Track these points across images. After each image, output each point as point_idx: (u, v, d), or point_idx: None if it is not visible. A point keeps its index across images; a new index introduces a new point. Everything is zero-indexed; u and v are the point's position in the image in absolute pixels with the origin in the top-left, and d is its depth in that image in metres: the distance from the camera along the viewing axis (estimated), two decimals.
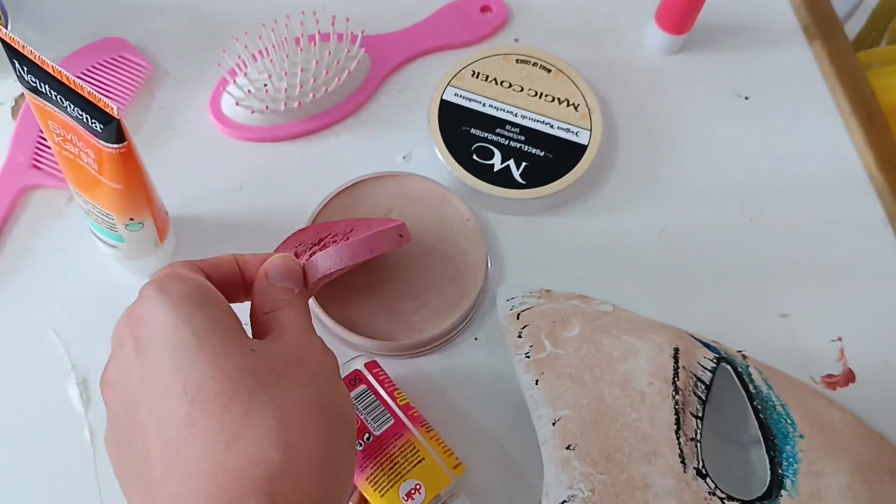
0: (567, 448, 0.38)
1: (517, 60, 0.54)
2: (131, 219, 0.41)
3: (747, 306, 0.49)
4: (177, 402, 0.30)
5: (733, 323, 0.48)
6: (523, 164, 0.50)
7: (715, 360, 0.42)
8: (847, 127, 0.55)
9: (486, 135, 0.51)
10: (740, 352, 0.45)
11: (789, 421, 0.41)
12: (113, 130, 0.35)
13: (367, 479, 0.40)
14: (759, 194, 0.52)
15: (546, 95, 0.53)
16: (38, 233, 0.49)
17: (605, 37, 0.58)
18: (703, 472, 0.38)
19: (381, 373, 0.42)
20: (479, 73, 0.53)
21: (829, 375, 0.47)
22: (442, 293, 0.47)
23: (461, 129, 0.51)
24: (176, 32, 0.56)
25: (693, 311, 0.48)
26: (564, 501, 0.36)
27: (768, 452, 0.40)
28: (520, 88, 0.53)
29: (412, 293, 0.47)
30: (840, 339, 0.48)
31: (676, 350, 0.41)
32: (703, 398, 0.40)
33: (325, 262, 0.39)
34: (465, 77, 0.53)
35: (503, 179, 0.50)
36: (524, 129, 0.52)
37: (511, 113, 0.52)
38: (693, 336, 0.43)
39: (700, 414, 0.39)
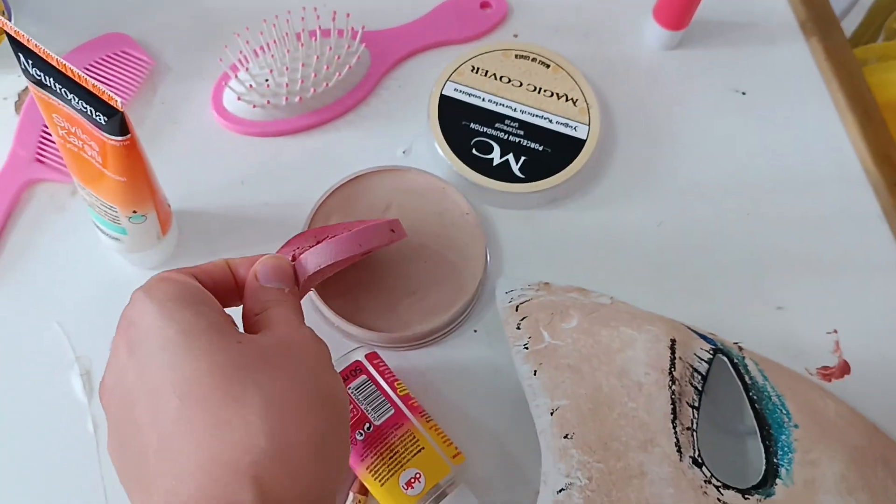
0: (565, 437, 0.38)
1: (516, 56, 0.55)
2: (134, 211, 0.42)
3: (744, 299, 0.49)
4: (168, 399, 0.30)
5: (730, 315, 0.49)
6: (522, 158, 0.51)
7: (711, 352, 0.42)
8: (843, 122, 0.55)
9: (485, 129, 0.52)
10: (737, 343, 0.45)
11: (784, 411, 0.41)
12: (117, 123, 0.35)
13: (367, 469, 0.40)
14: (756, 188, 0.53)
15: (545, 90, 0.53)
16: (42, 226, 0.49)
17: (604, 32, 0.58)
18: (699, 460, 0.38)
19: (381, 364, 0.43)
20: (478, 69, 0.54)
21: (825, 367, 0.48)
22: (442, 286, 0.47)
23: (461, 123, 0.52)
24: (178, 28, 0.56)
25: (690, 304, 0.49)
26: (562, 489, 0.37)
27: (764, 442, 0.40)
28: (519, 83, 0.53)
29: (412, 286, 0.47)
30: (835, 331, 0.48)
31: (673, 341, 0.41)
32: (700, 388, 0.40)
33: (315, 258, 0.39)
34: (464, 72, 0.54)
35: (502, 174, 0.50)
36: (523, 124, 0.52)
37: (510, 108, 0.53)
38: (690, 328, 0.44)
39: (696, 404, 0.40)
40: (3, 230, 0.49)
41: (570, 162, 0.51)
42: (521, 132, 0.52)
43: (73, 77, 0.35)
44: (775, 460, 0.40)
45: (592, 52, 0.57)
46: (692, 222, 0.52)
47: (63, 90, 0.35)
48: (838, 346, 0.48)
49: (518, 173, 0.50)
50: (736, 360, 0.43)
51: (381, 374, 0.42)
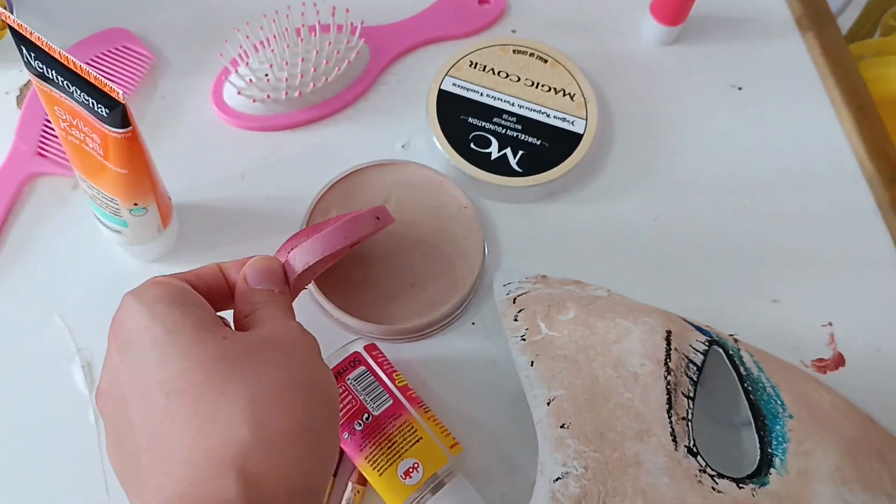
0: (561, 427, 0.39)
1: (514, 51, 0.55)
2: (135, 204, 0.42)
3: (740, 292, 0.50)
4: (156, 397, 0.31)
5: (726, 308, 0.49)
6: (520, 152, 0.51)
7: (707, 343, 0.42)
8: (839, 117, 0.56)
9: (483, 124, 0.52)
10: (732, 335, 0.46)
11: (779, 402, 0.42)
12: (119, 115, 0.36)
13: (365, 459, 0.40)
14: (752, 183, 0.53)
15: (542, 85, 0.54)
16: (44, 220, 0.50)
17: (601, 28, 0.59)
18: (694, 450, 0.39)
19: (379, 355, 0.43)
20: (476, 64, 0.54)
21: (820, 359, 0.48)
22: (440, 279, 0.48)
23: (459, 118, 0.52)
24: (179, 23, 0.57)
25: (686, 297, 0.49)
26: (558, 478, 0.37)
27: (758, 432, 0.41)
28: (517, 78, 0.54)
29: (411, 279, 0.48)
30: (830, 324, 0.49)
31: (669, 333, 0.42)
32: (695, 379, 0.41)
33: (303, 256, 0.39)
34: (462, 67, 0.54)
35: (500, 167, 0.51)
36: (521, 119, 0.52)
37: (508, 102, 0.53)
38: (686, 320, 0.44)
39: (691, 394, 0.40)
40: (4, 223, 0.49)
41: (568, 156, 0.51)
42: (519, 127, 0.52)
43: (75, 69, 0.35)
44: (769, 450, 0.40)
45: (590, 48, 0.58)
46: (688, 216, 0.52)
47: (65, 83, 0.36)
48: (833, 338, 0.48)
49: (516, 167, 0.51)
50: (731, 352, 0.43)
51: (380, 365, 0.43)
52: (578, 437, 0.38)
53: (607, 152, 0.54)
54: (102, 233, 0.46)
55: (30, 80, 0.53)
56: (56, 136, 0.50)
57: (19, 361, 0.46)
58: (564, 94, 0.53)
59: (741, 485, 0.38)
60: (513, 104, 0.53)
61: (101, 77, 0.35)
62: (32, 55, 0.36)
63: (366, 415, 0.41)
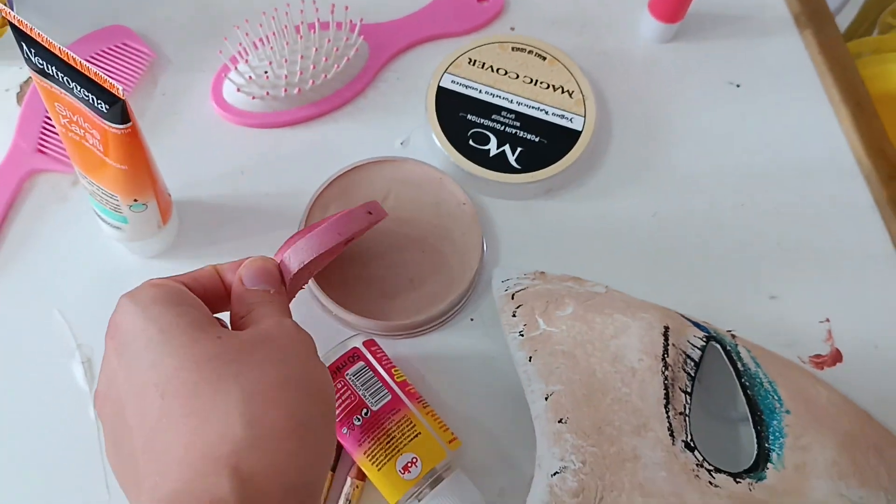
0: (559, 421, 0.39)
1: (513, 48, 0.55)
2: (135, 200, 0.42)
3: (738, 288, 0.50)
4: (151, 398, 0.31)
5: (724, 304, 0.49)
6: (518, 149, 0.51)
7: (704, 339, 0.43)
8: (836, 114, 0.56)
9: (482, 121, 0.52)
10: (730, 331, 0.46)
11: (776, 397, 0.42)
12: (118, 111, 0.36)
13: (364, 454, 0.41)
14: (750, 179, 0.53)
15: (541, 82, 0.54)
16: (44, 216, 0.50)
17: (600, 25, 0.59)
18: (692, 444, 0.39)
19: (378, 351, 0.43)
20: (475, 61, 0.55)
21: (817, 355, 0.48)
22: (438, 275, 0.48)
23: (458, 115, 0.52)
24: (178, 20, 0.57)
25: (684, 293, 0.49)
26: (556, 472, 0.37)
27: (755, 427, 0.41)
28: (515, 76, 0.54)
29: (409, 275, 0.48)
30: (828, 320, 0.49)
31: (667, 328, 0.42)
32: (692, 374, 0.41)
33: (298, 255, 0.39)
34: (461, 65, 0.54)
35: (499, 164, 0.51)
36: (519, 116, 0.53)
37: (507, 99, 0.53)
38: (684, 316, 0.44)
39: (689, 389, 0.40)
40: (5, 220, 0.49)
41: (566, 153, 0.51)
42: (518, 123, 0.52)
43: (75, 65, 0.35)
44: (767, 445, 0.40)
45: (588, 45, 0.58)
46: (686, 213, 0.52)
47: (65, 79, 0.36)
48: (830, 334, 0.49)
49: (514, 164, 0.51)
50: (729, 348, 0.43)
51: (379, 360, 0.43)
52: (576, 431, 0.38)
53: (605, 149, 0.54)
54: (102, 229, 0.47)
55: (30, 77, 0.53)
56: (56, 133, 0.50)
57: (20, 357, 0.46)
58: (563, 92, 0.53)
59: (738, 479, 0.39)
60: (511, 101, 0.53)
61: (100, 73, 0.35)
62: (32, 51, 0.36)
63: (364, 410, 0.41)
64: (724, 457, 0.40)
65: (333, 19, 0.53)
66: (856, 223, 0.52)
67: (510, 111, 0.53)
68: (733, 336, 0.45)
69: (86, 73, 0.35)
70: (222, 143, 0.53)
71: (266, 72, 0.51)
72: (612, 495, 0.37)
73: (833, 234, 0.52)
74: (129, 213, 0.43)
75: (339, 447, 0.43)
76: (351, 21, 0.53)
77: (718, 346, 0.43)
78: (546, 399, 0.40)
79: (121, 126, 0.37)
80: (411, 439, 0.40)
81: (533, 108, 0.53)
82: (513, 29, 0.58)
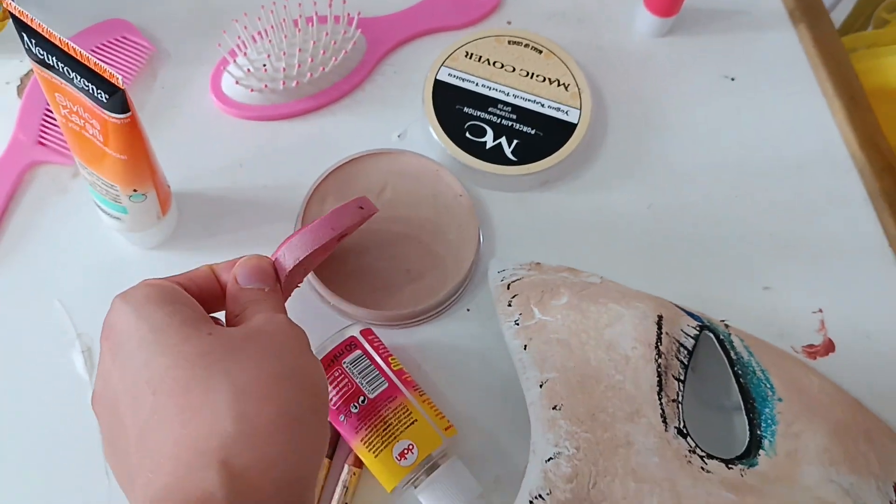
0: (553, 408, 0.39)
1: (509, 42, 0.56)
2: (135, 190, 0.43)
3: (732, 279, 0.50)
4: (144, 396, 0.31)
5: (718, 295, 0.50)
6: (515, 141, 0.52)
7: (698, 328, 0.43)
8: (830, 108, 0.56)
9: (478, 113, 0.53)
10: (723, 321, 0.46)
11: (768, 385, 0.42)
12: (118, 101, 0.36)
13: (361, 441, 0.41)
14: (744, 171, 0.54)
15: (537, 76, 0.54)
16: (44, 208, 0.50)
17: (596, 19, 0.59)
18: (684, 431, 0.39)
19: (375, 339, 0.44)
20: (472, 54, 0.55)
21: (810, 345, 0.49)
22: (435, 266, 0.48)
23: (454, 108, 0.53)
24: (178, 14, 0.57)
25: (679, 284, 0.50)
26: (550, 458, 0.38)
27: (748, 414, 0.41)
28: (511, 69, 0.54)
29: (407, 266, 0.48)
30: (821, 310, 0.49)
31: (660, 317, 0.42)
32: (686, 363, 0.41)
33: (292, 252, 0.40)
34: (458, 58, 0.55)
35: (495, 156, 0.51)
36: (515, 108, 0.53)
37: (503, 92, 0.54)
38: (678, 306, 0.45)
39: (682, 377, 0.41)
40: (5, 211, 0.50)
41: (562, 145, 0.52)
42: (514, 116, 0.53)
43: (75, 56, 0.36)
44: (759, 432, 0.41)
45: (584, 39, 0.58)
46: (681, 205, 0.53)
47: (65, 69, 0.36)
48: (823, 324, 0.49)
49: (510, 156, 0.51)
50: (722, 337, 0.44)
51: (376, 349, 0.43)
52: (570, 418, 0.39)
53: (601, 142, 0.54)
54: (102, 220, 0.47)
55: (30, 71, 0.54)
56: (56, 126, 0.51)
57: (21, 346, 0.46)
58: (559, 85, 0.54)
59: (730, 465, 0.39)
60: (508, 94, 0.53)
61: (100, 63, 0.35)
62: (33, 41, 0.36)
63: (361, 398, 0.41)
64: (718, 444, 0.40)
65: (331, 13, 0.53)
66: (849, 215, 0.53)
67: (506, 104, 0.53)
68: (727, 326, 0.45)
69: (86, 63, 0.36)
70: (221, 136, 0.53)
71: (264, 65, 0.52)
72: (606, 480, 0.37)
73: (826, 226, 0.52)
74: (128, 204, 0.44)
75: (337, 435, 0.44)
76: (349, 15, 0.54)
77: (712, 335, 0.44)
78: (541, 386, 0.40)
79: (120, 116, 0.37)
80: (408, 426, 0.41)
81: (529, 100, 0.53)
82: (509, 23, 0.59)
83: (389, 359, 0.43)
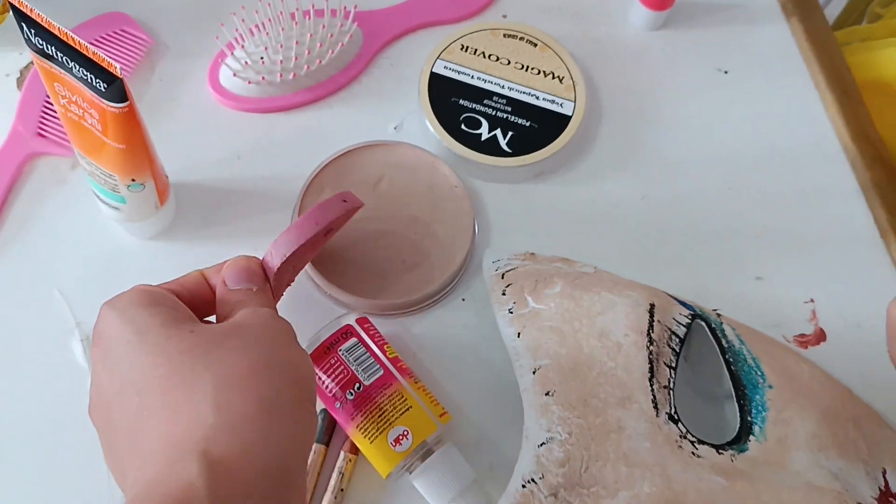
0: (546, 394, 0.40)
1: (505, 35, 0.56)
2: (133, 179, 0.43)
3: (724, 270, 0.51)
4: (130, 397, 0.32)
5: (710, 285, 0.50)
6: (510, 133, 0.52)
7: (690, 317, 0.44)
8: (822, 101, 0.57)
9: (474, 106, 0.53)
10: (715, 310, 0.47)
11: (759, 373, 0.43)
12: (117, 90, 0.37)
13: (357, 427, 0.42)
14: (737, 163, 0.54)
15: (532, 68, 0.55)
16: (43, 199, 0.51)
17: (590, 12, 0.60)
18: (675, 417, 0.40)
19: (371, 327, 0.44)
20: (467, 47, 0.55)
21: (802, 335, 0.49)
22: (431, 257, 0.49)
23: (450, 100, 0.53)
24: (176, 7, 0.58)
25: (672, 275, 0.50)
26: (543, 443, 0.38)
27: (738, 401, 0.42)
28: (507, 62, 0.55)
29: (402, 256, 0.49)
30: (812, 300, 0.50)
31: (652, 306, 0.43)
32: (677, 350, 0.42)
33: (279, 249, 0.40)
34: (454, 51, 0.55)
35: (490, 148, 0.52)
36: (511, 101, 0.53)
37: (498, 85, 0.54)
38: (670, 295, 0.45)
39: (673, 364, 0.41)
40: (5, 202, 0.50)
41: (556, 137, 0.52)
42: (509, 108, 0.53)
43: (74, 45, 0.36)
44: (749, 418, 0.41)
45: (579, 32, 0.59)
46: (675, 196, 0.53)
47: (65, 59, 0.37)
48: (815, 314, 0.50)
49: (505, 148, 0.52)
50: (714, 325, 0.44)
51: (372, 337, 0.44)
52: (563, 403, 0.39)
53: (595, 134, 0.55)
54: (101, 210, 0.48)
55: (30, 63, 0.54)
56: (55, 117, 0.51)
57: (20, 335, 0.47)
58: (553, 77, 0.54)
59: (721, 451, 0.40)
60: (503, 87, 0.54)
61: (98, 52, 0.36)
62: (33, 31, 0.37)
63: (357, 385, 0.42)
64: (709, 431, 0.41)
65: (328, 6, 0.54)
66: (840, 206, 0.53)
67: (502, 96, 0.54)
68: (718, 315, 0.46)
69: (84, 52, 0.36)
70: (219, 128, 0.54)
71: (262, 57, 0.52)
72: (598, 465, 0.38)
73: (818, 217, 0.53)
74: (126, 193, 0.44)
75: (333, 422, 0.44)
76: (345, 8, 0.54)
77: (703, 323, 0.44)
78: (534, 373, 0.41)
79: (119, 105, 0.38)
80: (402, 413, 0.41)
81: (524, 93, 0.54)
82: (505, 16, 0.59)
83: (385, 347, 0.44)
